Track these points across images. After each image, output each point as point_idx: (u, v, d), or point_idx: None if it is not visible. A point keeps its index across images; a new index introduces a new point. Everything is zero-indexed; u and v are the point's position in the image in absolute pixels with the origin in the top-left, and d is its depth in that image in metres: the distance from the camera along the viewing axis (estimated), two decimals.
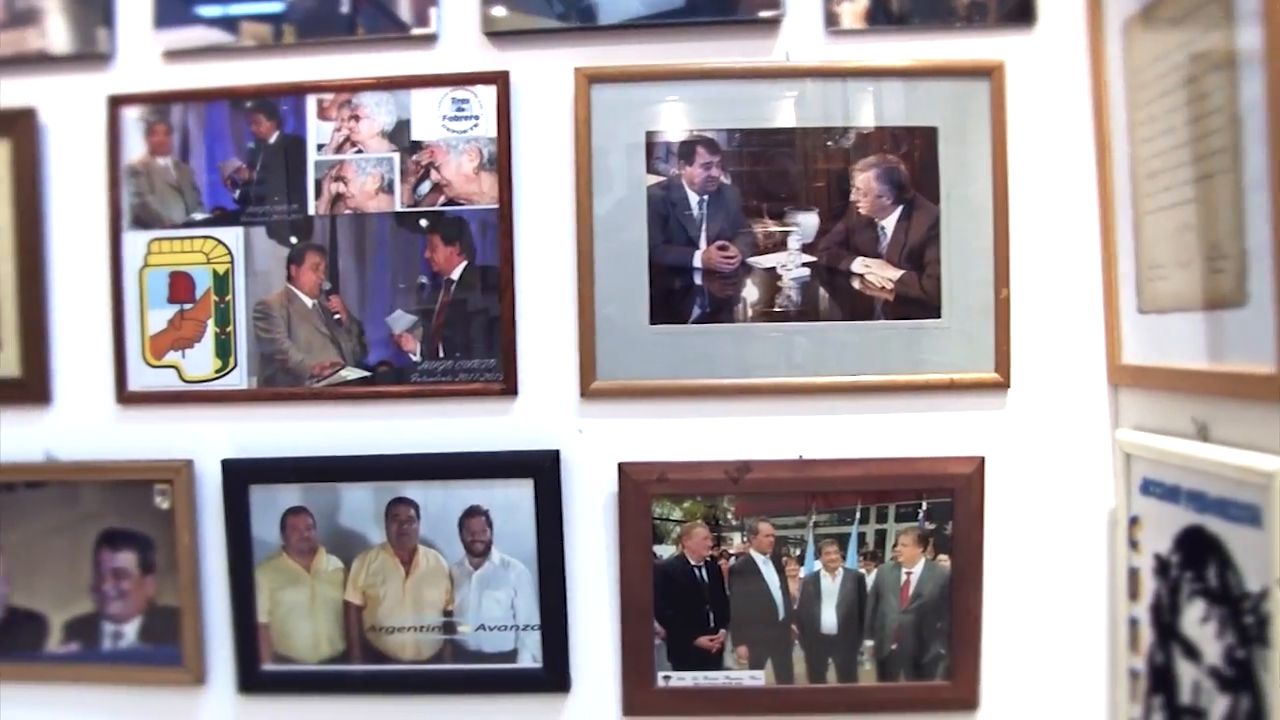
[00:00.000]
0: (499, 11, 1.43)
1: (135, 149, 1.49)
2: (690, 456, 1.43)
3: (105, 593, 1.51)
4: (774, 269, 1.41)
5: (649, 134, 1.42)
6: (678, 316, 1.42)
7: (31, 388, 1.51)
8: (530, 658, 1.46)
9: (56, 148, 1.52)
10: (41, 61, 1.51)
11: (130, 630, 1.51)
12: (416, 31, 1.46)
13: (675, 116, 1.42)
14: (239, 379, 1.49)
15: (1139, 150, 1.31)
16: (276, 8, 1.47)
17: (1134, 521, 1.34)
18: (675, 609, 1.44)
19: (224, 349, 1.49)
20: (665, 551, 1.43)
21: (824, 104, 1.41)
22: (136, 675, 1.51)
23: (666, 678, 1.44)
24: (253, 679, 1.49)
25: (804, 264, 1.41)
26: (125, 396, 1.50)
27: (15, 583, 1.53)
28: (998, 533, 1.42)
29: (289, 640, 1.49)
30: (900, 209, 1.41)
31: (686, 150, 1.42)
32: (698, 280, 1.42)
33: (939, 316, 1.41)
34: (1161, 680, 1.26)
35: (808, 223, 1.41)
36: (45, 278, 1.51)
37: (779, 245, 1.41)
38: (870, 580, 1.42)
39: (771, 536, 1.42)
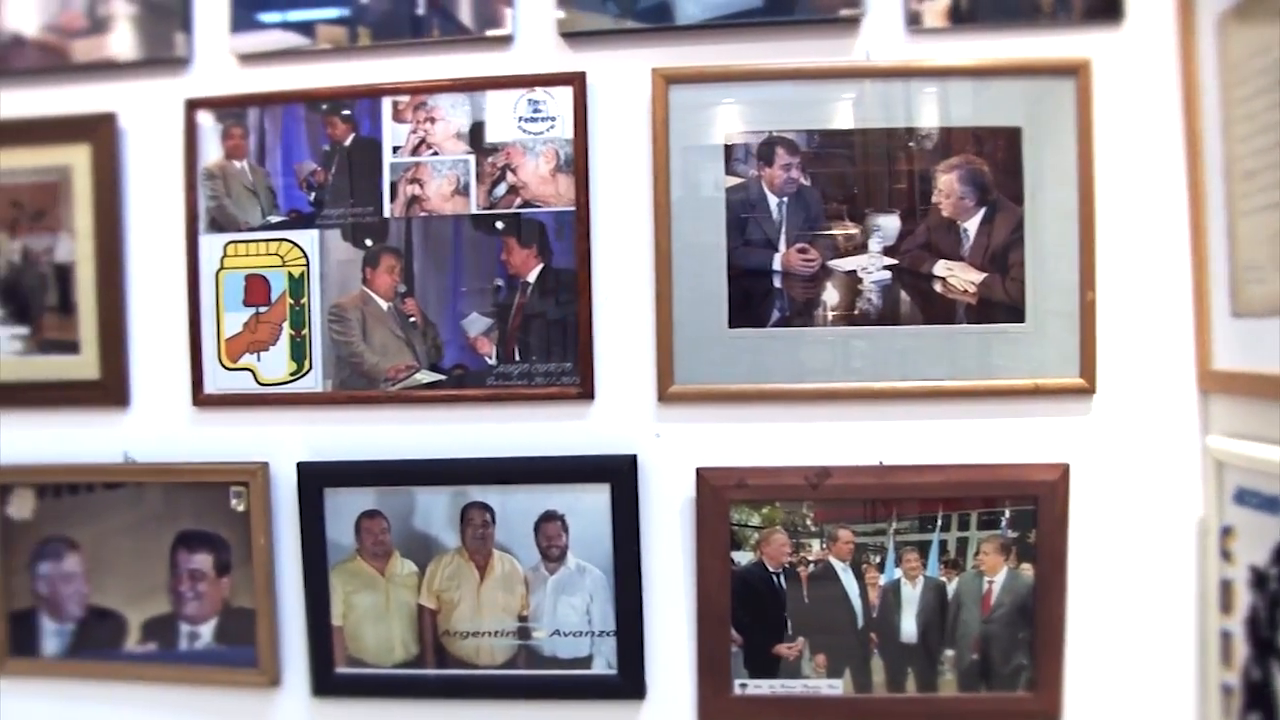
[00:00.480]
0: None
1: (212, 152, 1.50)
2: (769, 462, 1.41)
3: (182, 594, 1.52)
4: (854, 272, 1.39)
5: (727, 135, 1.40)
6: (756, 320, 1.40)
7: (110, 390, 1.52)
8: (605, 664, 1.45)
9: (135, 152, 1.53)
10: (120, 67, 1.52)
11: (206, 631, 1.52)
12: (491, 33, 1.45)
13: (754, 117, 1.40)
14: (314, 382, 1.49)
15: (1234, 149, 1.27)
16: (351, 11, 1.47)
17: (1227, 532, 1.30)
18: (753, 616, 1.42)
19: (299, 352, 1.49)
20: (743, 558, 1.41)
21: (905, 104, 1.39)
22: (212, 676, 1.51)
23: (743, 685, 1.43)
24: (327, 682, 1.50)
25: (885, 267, 1.39)
26: (201, 399, 1.51)
27: (93, 582, 1.54)
28: (1082, 541, 1.39)
29: (363, 644, 1.49)
30: (983, 211, 1.38)
31: (765, 151, 1.40)
32: (777, 283, 1.40)
33: (1022, 320, 1.38)
34: (1259, 697, 1.22)
35: (889, 225, 1.39)
36: (124, 281, 1.53)
37: (859, 248, 1.39)
38: (951, 589, 1.40)
39: (851, 543, 1.40)
